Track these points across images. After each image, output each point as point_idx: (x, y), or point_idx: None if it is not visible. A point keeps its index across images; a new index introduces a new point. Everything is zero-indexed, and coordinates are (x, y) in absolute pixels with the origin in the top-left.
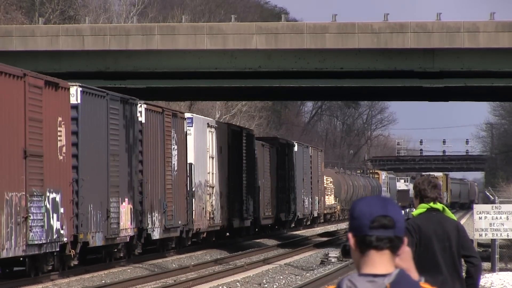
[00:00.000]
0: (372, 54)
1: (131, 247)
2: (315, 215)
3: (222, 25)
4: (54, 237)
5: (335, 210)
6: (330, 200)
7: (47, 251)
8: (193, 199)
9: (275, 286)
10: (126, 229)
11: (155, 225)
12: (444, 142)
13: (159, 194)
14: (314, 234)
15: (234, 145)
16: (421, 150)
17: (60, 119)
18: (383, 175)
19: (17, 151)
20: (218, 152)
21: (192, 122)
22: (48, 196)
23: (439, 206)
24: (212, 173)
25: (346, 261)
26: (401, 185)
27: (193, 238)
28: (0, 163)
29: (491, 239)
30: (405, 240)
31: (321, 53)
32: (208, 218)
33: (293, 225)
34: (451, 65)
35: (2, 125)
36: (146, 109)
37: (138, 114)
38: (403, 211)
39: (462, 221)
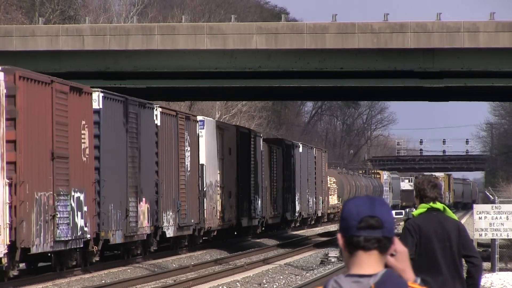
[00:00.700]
0: (372, 54)
1: (147, 245)
2: (319, 214)
3: (222, 25)
4: (79, 234)
5: (338, 209)
6: (333, 200)
7: (72, 247)
8: (205, 199)
9: (275, 286)
10: (143, 227)
11: (170, 224)
12: (444, 142)
13: (173, 193)
14: (314, 234)
15: (242, 147)
16: (421, 150)
17: (83, 122)
18: (385, 175)
19: (45, 153)
20: (227, 153)
21: (203, 125)
22: (73, 196)
23: (439, 206)
24: (222, 174)
25: None
26: (405, 185)
27: (204, 236)
28: (31, 164)
29: (491, 239)
30: (396, 240)
31: (321, 53)
32: (219, 217)
33: (298, 224)
34: (451, 65)
35: (33, 129)
36: (161, 113)
37: (154, 118)
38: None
39: (462, 221)
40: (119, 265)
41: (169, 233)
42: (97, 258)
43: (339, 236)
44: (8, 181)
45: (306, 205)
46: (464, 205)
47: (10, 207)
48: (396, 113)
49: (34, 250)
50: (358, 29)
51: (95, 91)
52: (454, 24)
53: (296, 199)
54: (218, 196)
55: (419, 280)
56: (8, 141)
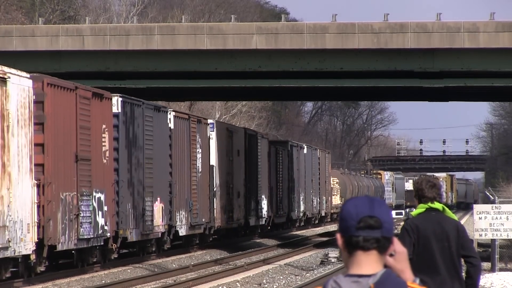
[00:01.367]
0: (372, 54)
1: (161, 243)
2: (323, 214)
3: (222, 25)
4: (99, 232)
5: None
6: (336, 200)
7: (93, 245)
8: (215, 199)
9: (275, 286)
10: (158, 225)
11: (182, 223)
12: (444, 142)
13: (186, 194)
14: (314, 234)
15: (250, 148)
16: (421, 150)
17: (104, 126)
18: (387, 175)
19: (70, 156)
20: (236, 154)
21: (213, 127)
22: (95, 196)
23: (438, 206)
24: (231, 174)
25: None
26: (409, 185)
27: (214, 235)
28: (57, 166)
29: (491, 239)
30: (395, 240)
31: (321, 53)
32: (228, 216)
33: (302, 223)
34: (451, 65)
35: (59, 133)
36: (174, 116)
37: (168, 121)
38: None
39: (462, 221)
40: (119, 265)
41: (182, 231)
42: (115, 255)
43: (338, 236)
44: (36, 182)
45: (311, 205)
46: (467, 205)
47: (38, 207)
48: (396, 113)
49: (59, 248)
50: (358, 29)
51: (114, 96)
52: (454, 24)
53: (301, 199)
54: (227, 196)
55: (417, 280)
56: (36, 145)
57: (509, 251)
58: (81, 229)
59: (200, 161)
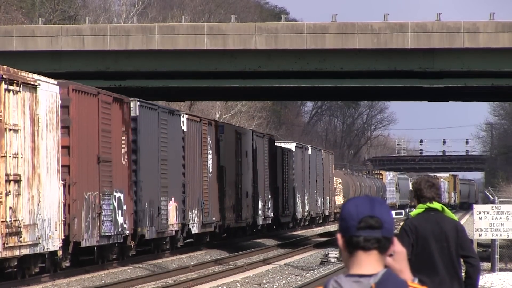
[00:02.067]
0: (372, 54)
1: (174, 240)
2: (326, 213)
3: (222, 25)
4: (119, 230)
5: None
6: (339, 200)
7: (114, 242)
8: (225, 198)
9: (275, 286)
10: (172, 224)
11: (195, 221)
12: (444, 142)
13: (198, 193)
14: (314, 234)
15: (257, 149)
16: (421, 150)
17: (123, 129)
18: (389, 175)
19: (93, 158)
20: (244, 156)
21: (223, 130)
22: (115, 195)
23: (437, 206)
24: (240, 175)
25: None
26: None
27: (223, 233)
28: (81, 167)
29: (491, 239)
30: (395, 240)
31: (321, 53)
32: (237, 216)
33: (307, 223)
34: (451, 65)
35: (83, 136)
36: (187, 119)
37: (181, 124)
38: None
39: (462, 221)
40: (119, 265)
41: (194, 230)
42: (133, 252)
43: (338, 236)
44: (62, 182)
45: (315, 205)
46: (469, 205)
47: (64, 205)
48: (396, 113)
49: (83, 244)
50: (358, 29)
51: (132, 100)
52: (454, 24)
53: (306, 199)
54: (236, 196)
55: (417, 280)
56: (62, 147)
57: (509, 251)
58: (103, 227)
59: (211, 162)
